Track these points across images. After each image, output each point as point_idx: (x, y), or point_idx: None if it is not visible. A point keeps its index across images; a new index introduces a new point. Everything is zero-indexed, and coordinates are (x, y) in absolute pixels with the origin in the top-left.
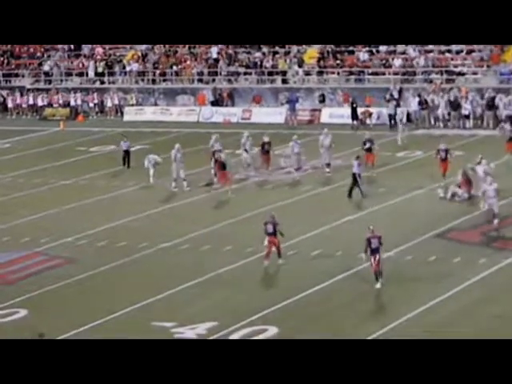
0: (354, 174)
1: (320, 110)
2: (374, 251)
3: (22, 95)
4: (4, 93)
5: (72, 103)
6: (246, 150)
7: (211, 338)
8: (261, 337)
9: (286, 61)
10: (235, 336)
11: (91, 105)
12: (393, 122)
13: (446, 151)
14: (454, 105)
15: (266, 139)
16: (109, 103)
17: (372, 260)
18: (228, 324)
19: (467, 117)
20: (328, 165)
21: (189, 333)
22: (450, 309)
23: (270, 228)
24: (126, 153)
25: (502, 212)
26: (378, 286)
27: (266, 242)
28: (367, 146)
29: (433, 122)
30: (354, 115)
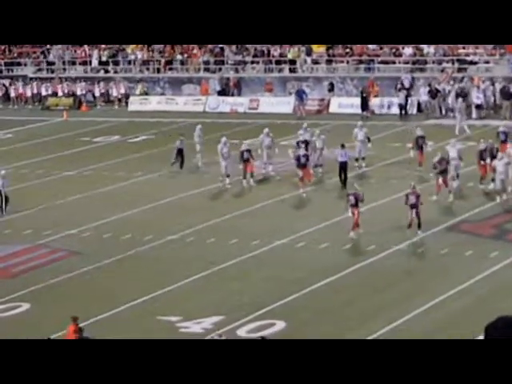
0: (341, 163)
1: (329, 100)
2: (412, 206)
3: (25, 84)
4: (6, 82)
5: (78, 92)
6: (342, 146)
7: (217, 332)
8: (268, 331)
9: (296, 49)
10: (242, 330)
11: (97, 94)
12: (403, 111)
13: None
14: (462, 95)
15: (302, 138)
16: (114, 93)
17: (411, 213)
18: (235, 318)
19: (479, 107)
20: (363, 158)
21: (194, 327)
22: (462, 303)
23: (352, 199)
24: (180, 152)
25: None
26: (420, 233)
27: (349, 213)
28: (420, 143)
29: (444, 112)
30: (364, 105)
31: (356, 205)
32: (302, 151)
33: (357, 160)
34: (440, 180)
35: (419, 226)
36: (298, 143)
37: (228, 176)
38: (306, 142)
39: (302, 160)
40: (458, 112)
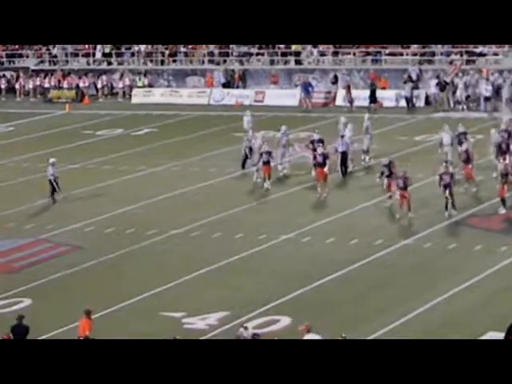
0: (341, 153)
1: (335, 93)
2: (446, 186)
3: (29, 76)
4: (8, 74)
5: (81, 85)
6: (342, 136)
7: (222, 328)
8: (273, 327)
9: None
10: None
11: (99, 86)
12: (410, 104)
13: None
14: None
15: (317, 137)
16: (120, 84)
17: (446, 193)
18: (240, 314)
19: (488, 99)
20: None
21: (199, 323)
22: (471, 298)
23: (401, 182)
24: (250, 150)
25: None
26: (454, 212)
27: (397, 195)
28: (461, 139)
29: (452, 104)
30: (373, 98)
31: (405, 188)
32: (319, 150)
33: (364, 152)
34: (386, 182)
35: (453, 205)
36: (312, 142)
37: (258, 171)
38: (322, 141)
39: (319, 159)
40: (507, 104)
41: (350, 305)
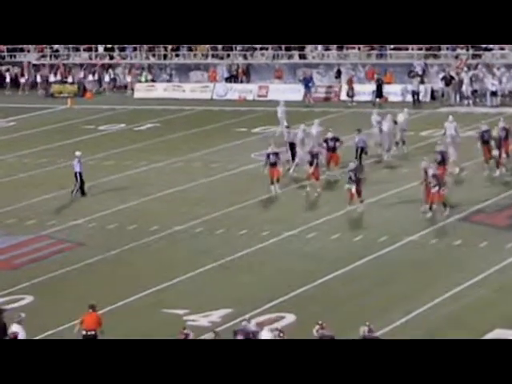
0: (357, 149)
1: (340, 87)
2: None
3: (34, 71)
4: (10, 68)
5: (89, 78)
6: (380, 130)
7: (225, 325)
8: (277, 325)
9: None
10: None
11: (106, 80)
12: (416, 98)
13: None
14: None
15: (330, 135)
16: (127, 79)
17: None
18: (243, 311)
19: (494, 94)
20: (397, 143)
21: (202, 320)
22: (476, 295)
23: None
24: (292, 146)
25: None
26: (446, 212)
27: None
28: (485, 138)
29: (458, 99)
30: (379, 93)
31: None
32: (309, 148)
33: (397, 144)
34: (353, 189)
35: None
36: (326, 140)
37: (297, 165)
38: (336, 139)
39: (308, 157)
40: None
41: (354, 302)
